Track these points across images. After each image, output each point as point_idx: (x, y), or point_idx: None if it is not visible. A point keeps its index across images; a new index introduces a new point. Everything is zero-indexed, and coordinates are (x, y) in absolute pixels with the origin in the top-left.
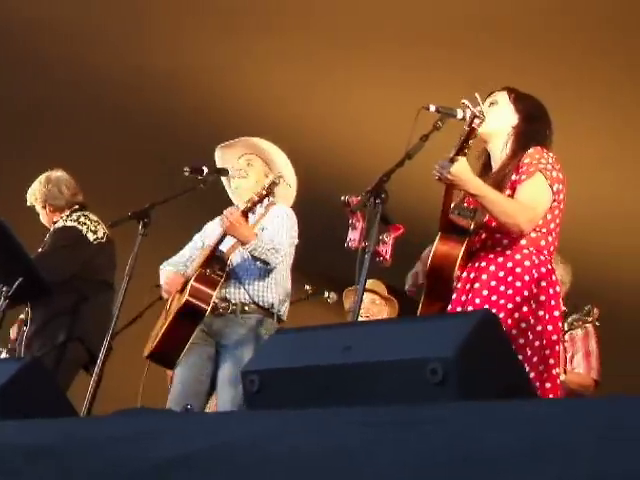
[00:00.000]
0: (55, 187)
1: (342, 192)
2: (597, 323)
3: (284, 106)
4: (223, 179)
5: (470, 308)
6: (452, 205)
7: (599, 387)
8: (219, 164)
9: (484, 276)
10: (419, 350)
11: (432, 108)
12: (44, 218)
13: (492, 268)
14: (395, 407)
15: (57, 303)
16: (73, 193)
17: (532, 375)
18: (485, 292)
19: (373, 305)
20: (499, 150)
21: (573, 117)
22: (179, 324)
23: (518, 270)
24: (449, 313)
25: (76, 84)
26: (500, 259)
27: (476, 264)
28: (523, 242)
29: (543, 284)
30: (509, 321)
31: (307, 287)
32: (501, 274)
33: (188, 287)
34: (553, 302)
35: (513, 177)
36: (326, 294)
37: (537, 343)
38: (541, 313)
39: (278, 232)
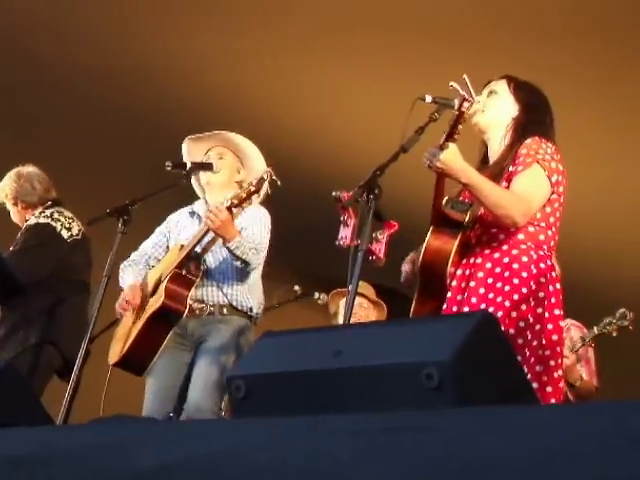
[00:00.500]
0: (27, 183)
1: (333, 187)
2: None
3: (272, 100)
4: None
5: (466, 308)
6: (446, 198)
7: (599, 392)
8: (186, 158)
9: (480, 274)
10: (414, 354)
11: (428, 99)
12: (15, 216)
13: (488, 265)
14: (388, 414)
15: (30, 304)
16: (46, 189)
17: (529, 377)
18: (482, 290)
19: (360, 309)
20: (497, 142)
21: (572, 108)
22: (153, 328)
23: (515, 266)
24: (445, 314)
25: (52, 75)
26: (496, 255)
27: (471, 260)
28: (521, 237)
29: (542, 281)
30: (506, 320)
31: (296, 288)
32: (497, 270)
33: (162, 288)
34: (553, 300)
35: (510, 168)
36: (316, 295)
37: (535, 343)
38: (540, 311)
39: (260, 233)
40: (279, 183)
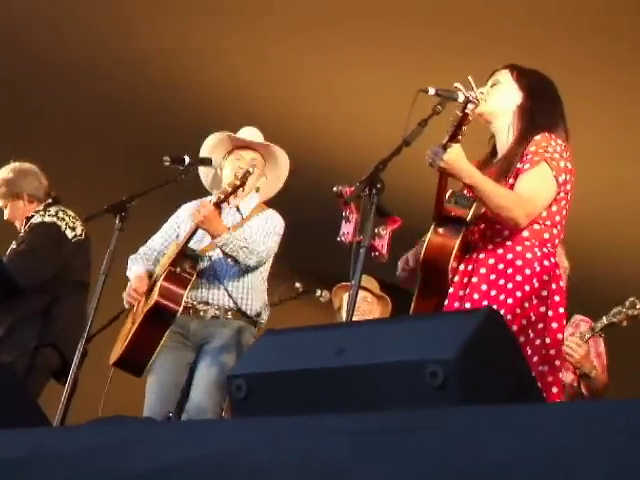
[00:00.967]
0: (34, 177)
1: (334, 182)
2: None
3: (270, 95)
4: (202, 169)
5: (468, 304)
6: (449, 192)
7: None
8: (205, 152)
9: (482, 269)
10: (418, 352)
11: (431, 91)
12: (15, 211)
13: (491, 261)
14: (392, 413)
15: (28, 305)
16: (48, 184)
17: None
18: (484, 287)
19: (364, 303)
20: (504, 132)
21: (573, 98)
22: (148, 327)
23: (519, 263)
24: (449, 311)
25: (49, 71)
26: (500, 251)
27: (474, 256)
28: (525, 234)
29: (546, 278)
30: (509, 317)
31: (297, 285)
32: (500, 267)
33: (157, 287)
34: (557, 298)
35: (518, 165)
36: (318, 292)
37: (538, 342)
38: (543, 309)
39: (258, 234)
40: (265, 178)
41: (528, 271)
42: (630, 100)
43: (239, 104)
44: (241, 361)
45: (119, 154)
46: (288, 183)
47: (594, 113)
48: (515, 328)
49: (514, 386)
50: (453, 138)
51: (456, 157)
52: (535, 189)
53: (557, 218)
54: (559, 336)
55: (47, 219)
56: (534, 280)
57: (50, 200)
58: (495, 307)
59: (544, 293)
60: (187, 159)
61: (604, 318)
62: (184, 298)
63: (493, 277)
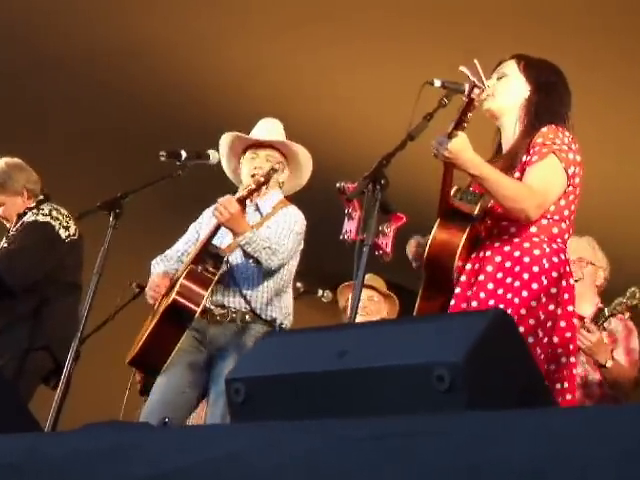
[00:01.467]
0: (29, 171)
1: (337, 178)
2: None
3: (273, 89)
4: (245, 160)
5: (474, 303)
6: (455, 188)
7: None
8: (222, 152)
9: (489, 267)
10: (424, 354)
11: (437, 83)
12: (13, 207)
13: (498, 259)
14: (396, 418)
15: (18, 306)
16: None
17: None
18: (490, 285)
19: (371, 302)
20: (511, 127)
21: (594, 100)
22: (165, 326)
23: (526, 260)
24: (456, 312)
25: (40, 61)
26: (507, 248)
27: (480, 254)
28: (533, 229)
29: (555, 275)
30: (516, 318)
31: (299, 285)
32: (507, 264)
33: (177, 285)
34: (567, 296)
35: (524, 158)
36: (320, 292)
37: (546, 340)
38: (552, 308)
39: (281, 233)
40: (301, 184)
41: (536, 268)
42: (638, 96)
43: (241, 98)
44: (240, 364)
45: (111, 148)
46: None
47: (601, 108)
48: (523, 328)
49: (523, 389)
50: (458, 126)
51: (462, 147)
52: (545, 181)
53: (566, 212)
54: (567, 335)
55: (40, 218)
56: (543, 277)
57: (42, 197)
58: (503, 307)
59: (553, 291)
60: (184, 154)
61: (605, 310)
62: (204, 299)
63: (500, 275)
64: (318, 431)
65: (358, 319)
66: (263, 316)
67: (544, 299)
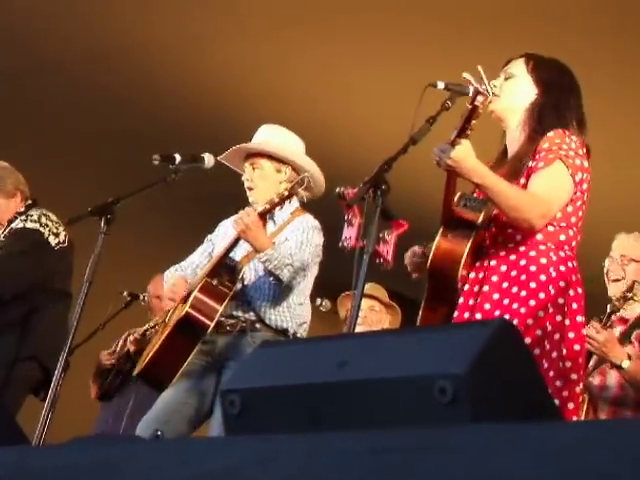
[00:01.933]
0: (18, 174)
1: (336, 184)
2: None
3: (265, 87)
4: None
5: (479, 314)
6: (458, 195)
7: None
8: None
9: (494, 277)
10: (425, 365)
11: (440, 85)
12: (4, 212)
13: (503, 268)
14: (397, 432)
15: (5, 315)
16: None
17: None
18: (496, 296)
19: (372, 312)
20: (517, 130)
21: (599, 102)
22: (176, 339)
23: (533, 268)
24: (459, 323)
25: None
26: (512, 257)
27: (485, 263)
28: (539, 237)
29: (562, 284)
30: (522, 329)
31: None
32: (513, 274)
33: (191, 297)
34: (575, 305)
35: (530, 164)
36: (318, 301)
37: (555, 354)
38: (560, 318)
39: (300, 247)
40: (311, 183)
41: (543, 277)
42: None
43: (237, 100)
44: (235, 375)
45: (102, 151)
46: None
47: (607, 110)
48: (530, 340)
49: (529, 402)
50: (462, 133)
51: (465, 155)
52: (550, 188)
53: (573, 219)
54: (576, 347)
55: (29, 225)
56: (550, 287)
57: (30, 201)
58: (508, 317)
59: (561, 301)
60: (178, 157)
61: (608, 307)
62: (219, 313)
63: (506, 285)
64: (316, 445)
65: (358, 330)
66: (274, 326)
67: (551, 309)
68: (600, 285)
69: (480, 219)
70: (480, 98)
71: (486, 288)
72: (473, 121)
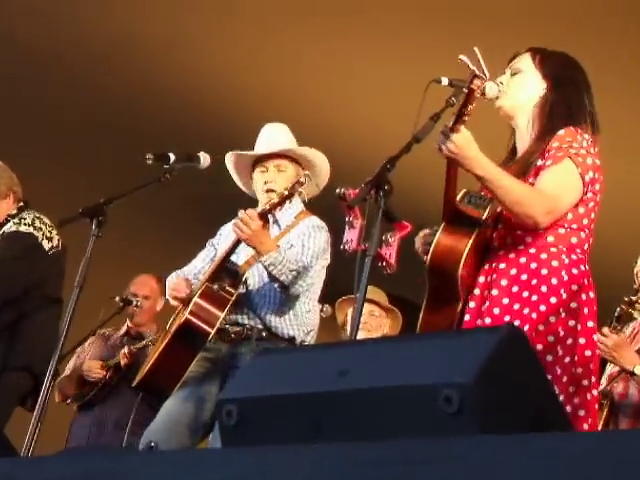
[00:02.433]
0: (10, 173)
1: (337, 184)
2: None
3: (271, 86)
4: (256, 176)
5: (488, 319)
6: (462, 192)
7: None
8: (231, 170)
9: (503, 281)
10: (430, 374)
11: (444, 81)
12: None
13: (513, 271)
14: (400, 443)
15: None
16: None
17: (561, 399)
18: (505, 300)
19: (371, 317)
20: (526, 127)
21: (608, 100)
22: (176, 347)
23: (544, 272)
24: (465, 329)
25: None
26: (522, 259)
27: (493, 265)
28: (550, 239)
29: (574, 288)
30: (533, 335)
31: None
32: (524, 277)
33: (191, 303)
34: (587, 310)
35: (539, 162)
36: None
37: (567, 360)
38: (572, 323)
39: (306, 252)
40: (319, 189)
41: (555, 281)
42: None
43: (238, 99)
44: (232, 384)
45: (95, 151)
46: None
47: (617, 108)
48: (541, 346)
49: (538, 411)
50: (458, 119)
51: (466, 142)
52: (558, 186)
53: (585, 221)
54: (587, 353)
55: (22, 228)
56: (562, 291)
57: (22, 203)
58: (518, 323)
59: (573, 305)
60: (172, 156)
61: (617, 310)
62: (220, 320)
63: (515, 289)
64: (316, 456)
65: (358, 335)
66: (280, 334)
67: (563, 314)
68: (612, 289)
69: (484, 216)
70: (477, 81)
71: (495, 292)
72: (470, 106)
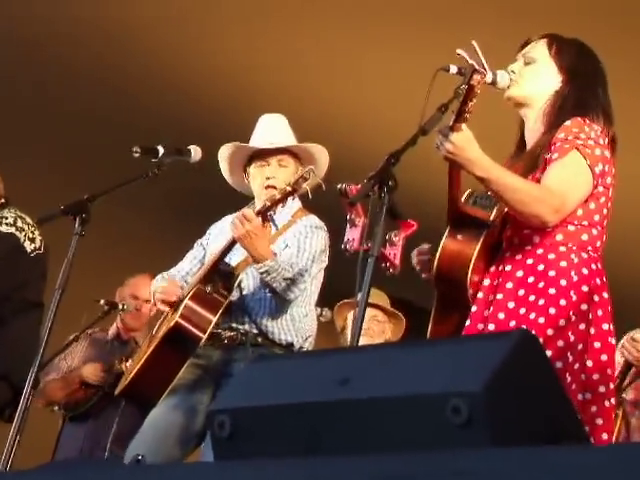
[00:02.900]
0: None
1: (337, 179)
2: None
3: (269, 78)
4: (254, 170)
5: (492, 325)
6: (468, 192)
7: None
8: (223, 165)
9: (509, 284)
10: (437, 383)
11: (453, 69)
12: None
13: (519, 274)
14: (406, 457)
15: None
16: None
17: None
18: (511, 304)
19: (374, 323)
20: (534, 119)
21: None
22: (164, 353)
23: (552, 273)
24: (474, 335)
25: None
26: (529, 261)
27: (500, 267)
28: (559, 237)
29: (585, 289)
30: (542, 339)
31: None
32: (530, 280)
33: (182, 306)
34: (600, 312)
35: (546, 156)
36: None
37: (578, 366)
38: (583, 327)
39: (302, 254)
40: (324, 187)
41: (564, 282)
42: None
43: (236, 89)
44: (225, 393)
45: (79, 145)
46: None
47: (630, 100)
48: (551, 352)
49: (552, 422)
50: (459, 117)
51: (466, 143)
52: (564, 180)
53: (596, 217)
54: (603, 357)
55: (4, 229)
56: (571, 292)
57: (3, 201)
58: (525, 328)
59: (584, 307)
60: (161, 150)
61: None
62: (212, 325)
63: (522, 293)
64: (314, 471)
65: (360, 342)
66: (277, 340)
67: (574, 317)
68: (628, 288)
69: (491, 217)
70: (477, 76)
71: (500, 296)
72: (470, 102)
